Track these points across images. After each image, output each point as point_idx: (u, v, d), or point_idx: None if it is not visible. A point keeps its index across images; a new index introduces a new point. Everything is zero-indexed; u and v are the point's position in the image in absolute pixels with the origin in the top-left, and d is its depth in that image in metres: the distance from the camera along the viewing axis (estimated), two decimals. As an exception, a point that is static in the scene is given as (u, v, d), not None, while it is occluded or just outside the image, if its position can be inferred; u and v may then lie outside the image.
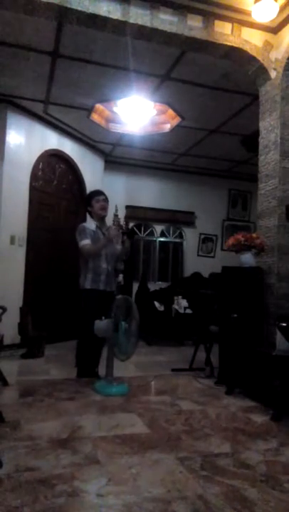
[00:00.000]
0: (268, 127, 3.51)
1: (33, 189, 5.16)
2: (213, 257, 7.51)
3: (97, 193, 3.68)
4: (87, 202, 3.65)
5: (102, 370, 3.19)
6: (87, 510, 1.48)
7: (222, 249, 7.28)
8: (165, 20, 3.16)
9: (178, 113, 5.01)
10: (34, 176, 5.20)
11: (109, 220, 3.76)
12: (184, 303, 5.88)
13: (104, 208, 3.58)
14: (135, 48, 3.51)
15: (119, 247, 3.62)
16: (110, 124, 5.45)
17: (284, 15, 3.25)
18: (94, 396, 2.87)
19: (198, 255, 7.51)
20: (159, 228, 7.38)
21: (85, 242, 3.42)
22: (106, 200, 3.62)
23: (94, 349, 3.39)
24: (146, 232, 7.33)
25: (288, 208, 3.31)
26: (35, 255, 5.15)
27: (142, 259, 7.28)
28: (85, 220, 3.96)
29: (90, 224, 3.58)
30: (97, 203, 3.55)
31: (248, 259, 3.31)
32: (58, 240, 5.50)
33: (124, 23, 3.08)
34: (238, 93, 4.39)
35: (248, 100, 4.52)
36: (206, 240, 7.55)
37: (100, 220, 3.60)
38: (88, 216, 3.78)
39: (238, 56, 3.47)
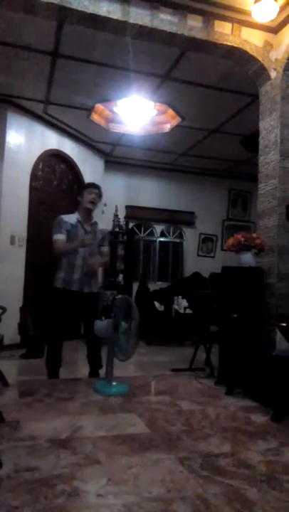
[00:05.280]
0: (268, 127, 3.51)
1: (33, 189, 5.16)
2: (213, 257, 7.51)
3: (93, 185, 3.41)
4: (80, 192, 3.40)
5: (102, 370, 3.19)
6: (87, 510, 1.48)
7: (222, 249, 7.29)
8: (165, 20, 3.16)
9: (178, 113, 5.02)
10: (34, 176, 5.20)
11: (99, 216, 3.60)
12: (184, 303, 5.88)
13: (94, 202, 3.29)
14: (135, 48, 3.51)
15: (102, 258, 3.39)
16: (110, 124, 5.46)
17: (284, 15, 3.25)
18: (94, 396, 2.87)
19: (198, 255, 7.51)
20: (159, 228, 7.38)
21: (58, 237, 3.17)
22: (99, 195, 3.34)
23: (59, 352, 3.29)
24: (147, 232, 7.34)
25: (288, 207, 3.31)
26: (35, 255, 5.15)
27: (142, 259, 7.28)
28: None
29: (70, 217, 3.28)
30: (89, 195, 3.27)
31: (248, 259, 3.30)
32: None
33: (124, 23, 3.08)
34: (238, 93, 4.39)
35: (248, 100, 4.52)
36: (206, 240, 7.56)
37: (85, 213, 3.31)
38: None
39: (238, 56, 3.47)
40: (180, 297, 5.99)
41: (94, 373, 3.37)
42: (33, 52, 3.78)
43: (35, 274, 5.14)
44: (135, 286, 6.54)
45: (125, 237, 6.61)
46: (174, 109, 4.94)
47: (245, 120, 4.94)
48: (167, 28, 3.17)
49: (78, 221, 3.27)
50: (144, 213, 7.14)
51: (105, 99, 4.78)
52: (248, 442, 2.16)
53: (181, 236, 7.52)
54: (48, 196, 5.48)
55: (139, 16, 3.09)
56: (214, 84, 4.23)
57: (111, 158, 6.77)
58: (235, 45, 3.36)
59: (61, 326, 3.29)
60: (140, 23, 3.10)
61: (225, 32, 3.32)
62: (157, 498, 1.56)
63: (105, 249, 3.41)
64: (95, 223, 3.39)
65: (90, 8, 2.98)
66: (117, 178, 6.97)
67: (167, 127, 5.46)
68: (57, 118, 5.28)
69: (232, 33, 3.34)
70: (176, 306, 5.91)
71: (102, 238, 3.37)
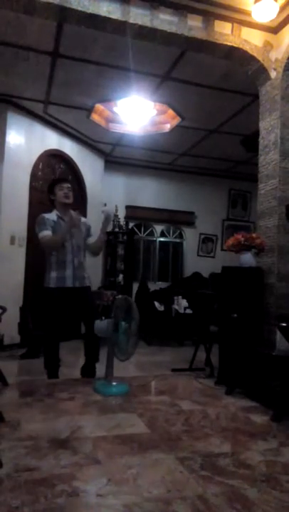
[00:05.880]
0: (268, 127, 3.51)
1: (33, 189, 5.16)
2: (213, 257, 7.51)
3: (61, 180, 3.49)
4: (50, 190, 3.40)
5: (102, 370, 3.19)
6: (87, 510, 1.48)
7: (222, 249, 7.29)
8: (165, 20, 3.16)
9: (178, 113, 5.01)
10: (34, 176, 5.20)
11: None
12: (184, 303, 5.88)
13: (68, 196, 3.34)
14: (135, 48, 3.51)
15: (102, 235, 3.40)
16: (110, 124, 5.46)
17: (284, 15, 3.26)
18: (94, 396, 2.87)
19: (198, 255, 7.51)
20: (159, 228, 7.38)
21: (45, 234, 3.22)
22: (70, 188, 3.39)
23: (56, 352, 3.32)
24: (146, 232, 7.34)
25: (288, 207, 3.31)
26: (35, 255, 5.15)
27: (142, 259, 7.28)
28: (85, 217, 3.86)
29: (51, 214, 3.33)
30: (61, 191, 3.32)
31: (248, 259, 3.30)
32: (58, 239, 5.50)
33: (124, 23, 3.08)
34: (238, 93, 4.39)
35: (248, 100, 4.52)
36: (206, 240, 7.56)
37: (63, 208, 3.34)
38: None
39: (238, 56, 3.47)
40: (180, 297, 5.99)
41: (89, 366, 3.37)
42: (33, 52, 3.78)
43: (35, 274, 5.14)
44: (135, 286, 6.53)
45: (125, 237, 6.60)
46: (173, 109, 4.94)
47: (245, 120, 4.93)
48: (167, 28, 3.17)
49: (59, 217, 3.32)
50: (144, 213, 7.14)
51: (105, 99, 4.78)
52: (248, 442, 2.16)
53: (181, 236, 7.52)
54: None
55: (139, 16, 3.09)
56: (214, 84, 4.23)
57: (111, 158, 6.77)
58: (235, 45, 3.36)
59: (58, 326, 3.32)
60: (140, 23, 3.10)
61: (225, 32, 3.32)
62: (157, 498, 1.56)
63: (92, 239, 3.44)
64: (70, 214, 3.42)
65: (90, 8, 2.98)
66: (116, 178, 6.97)
67: (167, 127, 5.45)
68: (57, 118, 5.28)
69: (232, 33, 3.34)
70: (176, 306, 5.91)
71: (87, 230, 3.44)
